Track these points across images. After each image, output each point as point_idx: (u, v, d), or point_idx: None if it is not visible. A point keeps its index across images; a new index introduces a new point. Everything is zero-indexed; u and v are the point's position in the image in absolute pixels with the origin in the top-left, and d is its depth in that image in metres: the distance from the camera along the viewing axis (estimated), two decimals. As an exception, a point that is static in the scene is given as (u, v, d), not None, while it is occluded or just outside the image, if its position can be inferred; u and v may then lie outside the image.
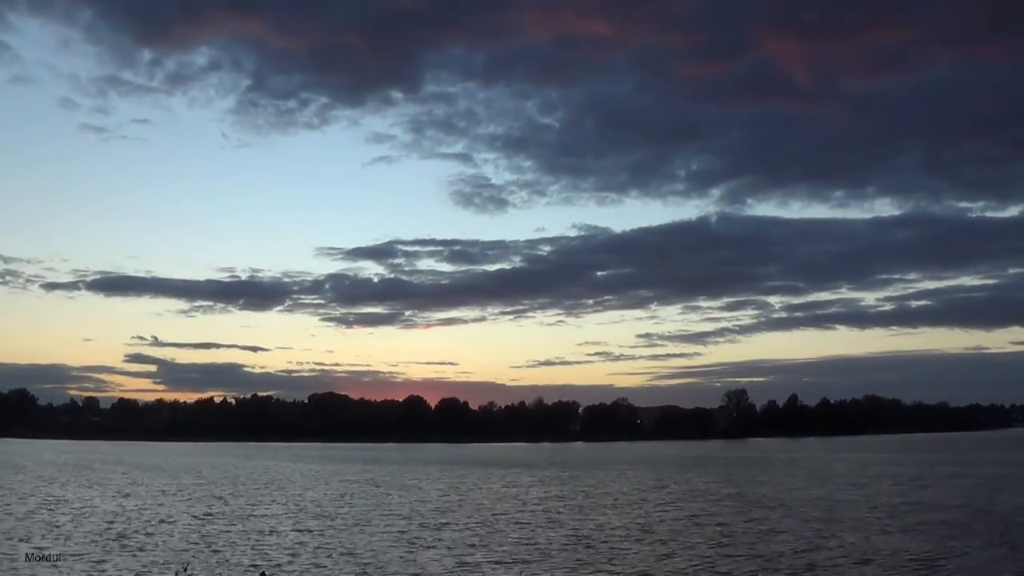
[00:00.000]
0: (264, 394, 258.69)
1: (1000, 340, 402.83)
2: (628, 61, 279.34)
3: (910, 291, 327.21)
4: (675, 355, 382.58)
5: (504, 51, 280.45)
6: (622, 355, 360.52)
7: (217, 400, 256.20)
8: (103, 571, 21.75)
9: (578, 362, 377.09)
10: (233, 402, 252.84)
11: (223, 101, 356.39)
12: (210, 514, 35.34)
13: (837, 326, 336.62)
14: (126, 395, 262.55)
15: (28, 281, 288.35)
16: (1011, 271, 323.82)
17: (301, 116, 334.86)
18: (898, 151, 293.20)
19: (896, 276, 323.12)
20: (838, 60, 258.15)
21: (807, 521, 32.39)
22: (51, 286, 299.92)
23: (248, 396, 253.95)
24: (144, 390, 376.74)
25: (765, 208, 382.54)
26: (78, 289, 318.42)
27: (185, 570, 20.97)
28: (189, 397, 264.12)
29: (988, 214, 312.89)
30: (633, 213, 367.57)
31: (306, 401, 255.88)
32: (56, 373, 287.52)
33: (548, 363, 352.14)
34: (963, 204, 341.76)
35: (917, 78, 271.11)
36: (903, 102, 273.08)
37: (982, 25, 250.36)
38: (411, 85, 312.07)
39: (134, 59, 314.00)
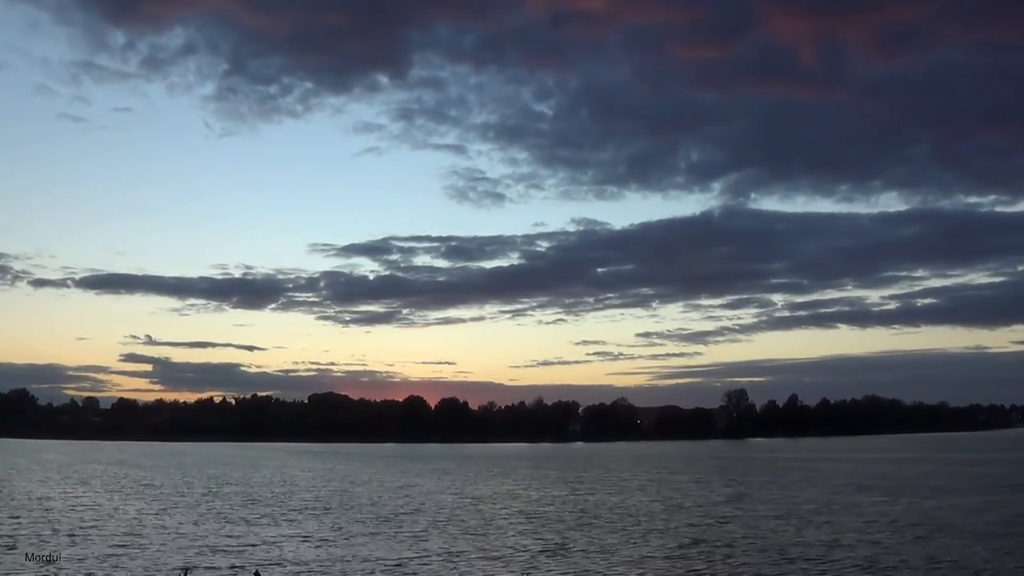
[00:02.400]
0: (263, 394, 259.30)
1: (1002, 339, 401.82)
2: (625, 41, 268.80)
3: (916, 289, 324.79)
4: (675, 355, 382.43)
5: (495, 30, 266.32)
6: (621, 354, 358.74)
7: (217, 400, 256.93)
8: (101, 571, 21.51)
9: (577, 362, 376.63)
10: (233, 402, 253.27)
11: (202, 87, 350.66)
12: (209, 514, 35.02)
13: (839, 325, 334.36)
14: (123, 395, 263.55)
15: (16, 278, 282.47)
16: (1020, 268, 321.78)
17: (284, 102, 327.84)
18: (906, 141, 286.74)
19: (903, 273, 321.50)
20: (847, 40, 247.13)
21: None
22: (39, 283, 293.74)
23: (248, 396, 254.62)
24: (141, 389, 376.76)
25: (768, 202, 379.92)
26: (67, 287, 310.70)
27: (186, 573, 20.74)
28: (187, 397, 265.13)
29: (998, 209, 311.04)
30: (633, 207, 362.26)
31: (306, 401, 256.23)
32: (53, 373, 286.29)
33: (547, 363, 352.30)
34: (972, 199, 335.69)
35: (929, 61, 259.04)
36: (913, 87, 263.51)
37: (1003, 1, 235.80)
38: (398, 69, 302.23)
39: (107, 42, 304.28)
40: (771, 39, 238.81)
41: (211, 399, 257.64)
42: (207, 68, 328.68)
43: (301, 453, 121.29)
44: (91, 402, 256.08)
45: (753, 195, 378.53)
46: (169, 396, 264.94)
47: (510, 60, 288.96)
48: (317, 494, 46.16)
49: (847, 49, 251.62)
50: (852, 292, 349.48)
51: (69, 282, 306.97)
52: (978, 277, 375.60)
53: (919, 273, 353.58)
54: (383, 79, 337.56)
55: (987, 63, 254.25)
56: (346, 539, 27.52)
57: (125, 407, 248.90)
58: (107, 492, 47.01)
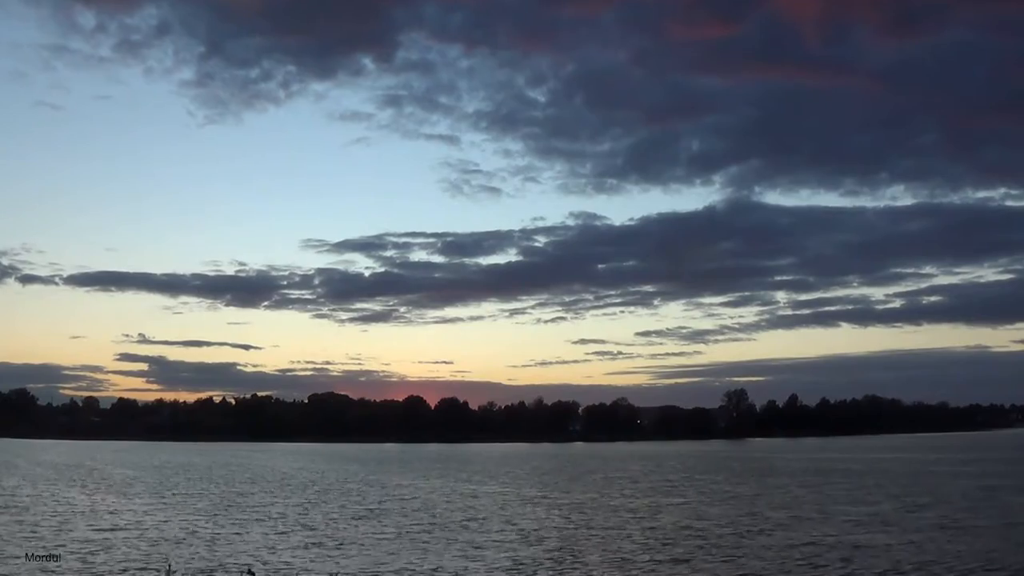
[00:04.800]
0: (263, 394, 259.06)
1: (1003, 338, 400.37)
2: (621, 19, 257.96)
3: (923, 286, 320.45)
4: (675, 354, 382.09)
5: (485, 6, 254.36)
6: (620, 353, 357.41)
7: (216, 400, 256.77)
8: (97, 569, 21.47)
9: (577, 361, 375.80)
10: (233, 402, 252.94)
11: (180, 72, 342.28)
12: (206, 514, 34.84)
13: (840, 324, 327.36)
14: (121, 394, 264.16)
15: (4, 274, 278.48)
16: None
17: (265, 88, 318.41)
18: (914, 131, 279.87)
19: (910, 270, 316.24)
20: (855, 19, 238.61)
21: None
22: (28, 278, 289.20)
23: (248, 396, 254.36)
24: (139, 389, 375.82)
25: (771, 196, 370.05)
26: (56, 283, 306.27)
27: (169, 567, 20.73)
28: (185, 396, 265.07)
29: (1008, 203, 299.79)
30: (633, 200, 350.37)
31: (306, 401, 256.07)
32: (50, 372, 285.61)
33: (546, 363, 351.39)
34: (981, 193, 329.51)
35: (939, 43, 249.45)
36: (922, 72, 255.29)
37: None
38: (383, 51, 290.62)
39: (77, 23, 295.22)
40: (776, 17, 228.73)
41: (211, 399, 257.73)
42: (184, 51, 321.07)
43: (314, 454, 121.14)
44: (91, 402, 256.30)
45: (756, 188, 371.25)
46: (167, 396, 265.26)
47: (501, 41, 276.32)
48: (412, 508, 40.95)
49: (855, 30, 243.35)
50: (857, 290, 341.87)
51: (58, 279, 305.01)
52: (987, 274, 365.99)
53: (926, 270, 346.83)
54: (368, 62, 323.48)
55: (999, 45, 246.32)
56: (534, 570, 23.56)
57: (125, 407, 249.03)
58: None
